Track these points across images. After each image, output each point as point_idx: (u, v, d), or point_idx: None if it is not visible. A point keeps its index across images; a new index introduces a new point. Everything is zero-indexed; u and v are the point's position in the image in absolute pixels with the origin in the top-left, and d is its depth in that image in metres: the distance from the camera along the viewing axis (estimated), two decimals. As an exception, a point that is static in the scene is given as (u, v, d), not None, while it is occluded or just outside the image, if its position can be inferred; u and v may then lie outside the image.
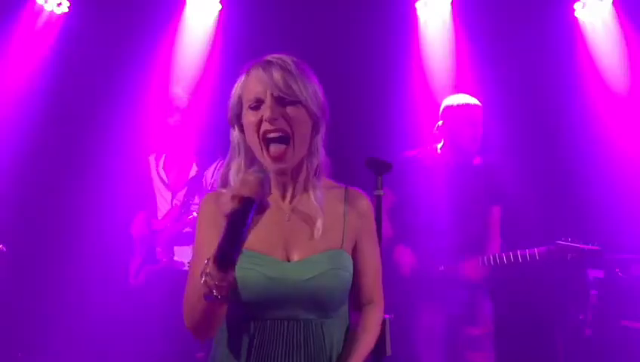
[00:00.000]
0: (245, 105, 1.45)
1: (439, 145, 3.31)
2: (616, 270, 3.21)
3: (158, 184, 3.63)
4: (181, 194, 3.57)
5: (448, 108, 3.25)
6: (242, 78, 1.48)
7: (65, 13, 4.10)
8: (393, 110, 3.95)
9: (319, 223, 1.46)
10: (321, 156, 1.51)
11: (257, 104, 1.43)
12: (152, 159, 3.68)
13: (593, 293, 3.34)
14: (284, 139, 1.42)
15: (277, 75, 1.41)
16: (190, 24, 4.17)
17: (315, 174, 1.51)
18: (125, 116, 3.86)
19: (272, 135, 1.41)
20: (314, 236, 1.46)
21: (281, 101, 1.42)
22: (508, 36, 3.91)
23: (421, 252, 3.18)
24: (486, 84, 3.91)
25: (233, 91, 1.50)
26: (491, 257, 3.09)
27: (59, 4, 4.08)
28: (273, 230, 1.46)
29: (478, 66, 3.99)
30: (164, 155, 3.67)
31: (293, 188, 1.51)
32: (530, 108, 3.90)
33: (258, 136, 1.43)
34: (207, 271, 1.28)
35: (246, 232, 1.27)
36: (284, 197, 1.51)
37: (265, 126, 1.41)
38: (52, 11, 4.08)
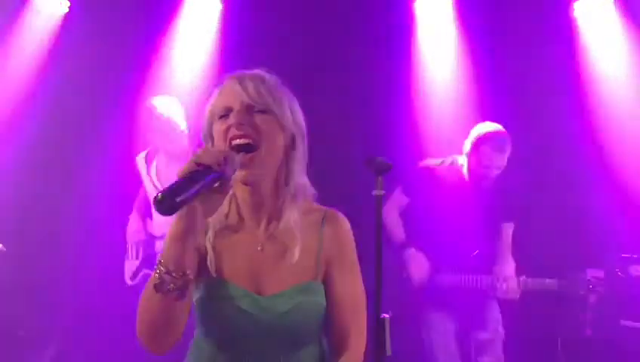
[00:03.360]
0: (216, 117, 1.40)
1: (460, 160, 3.28)
2: (616, 270, 3.21)
3: (150, 188, 3.52)
4: None
5: (477, 137, 3.18)
6: (215, 92, 1.44)
7: (65, 13, 4.10)
8: (393, 110, 3.96)
9: (296, 250, 1.40)
10: (301, 180, 1.44)
11: (226, 113, 1.38)
12: (141, 161, 3.54)
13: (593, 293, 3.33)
14: (251, 147, 1.35)
15: (248, 84, 1.38)
16: (190, 24, 4.17)
17: (293, 198, 1.43)
18: (124, 116, 3.86)
19: (238, 141, 1.35)
20: (287, 265, 1.40)
21: (250, 109, 1.37)
22: (508, 36, 3.91)
23: (431, 261, 3.21)
24: (485, 83, 3.91)
25: (206, 107, 1.44)
26: (526, 280, 3.12)
27: (59, 4, 4.08)
28: (246, 260, 1.41)
29: (477, 66, 4.00)
30: (155, 159, 3.53)
31: (268, 214, 1.43)
32: (529, 108, 3.90)
33: (225, 144, 1.37)
34: (161, 259, 1.24)
35: (198, 193, 1.17)
36: (258, 223, 1.44)
37: (231, 132, 1.36)
38: (52, 11, 4.08)
